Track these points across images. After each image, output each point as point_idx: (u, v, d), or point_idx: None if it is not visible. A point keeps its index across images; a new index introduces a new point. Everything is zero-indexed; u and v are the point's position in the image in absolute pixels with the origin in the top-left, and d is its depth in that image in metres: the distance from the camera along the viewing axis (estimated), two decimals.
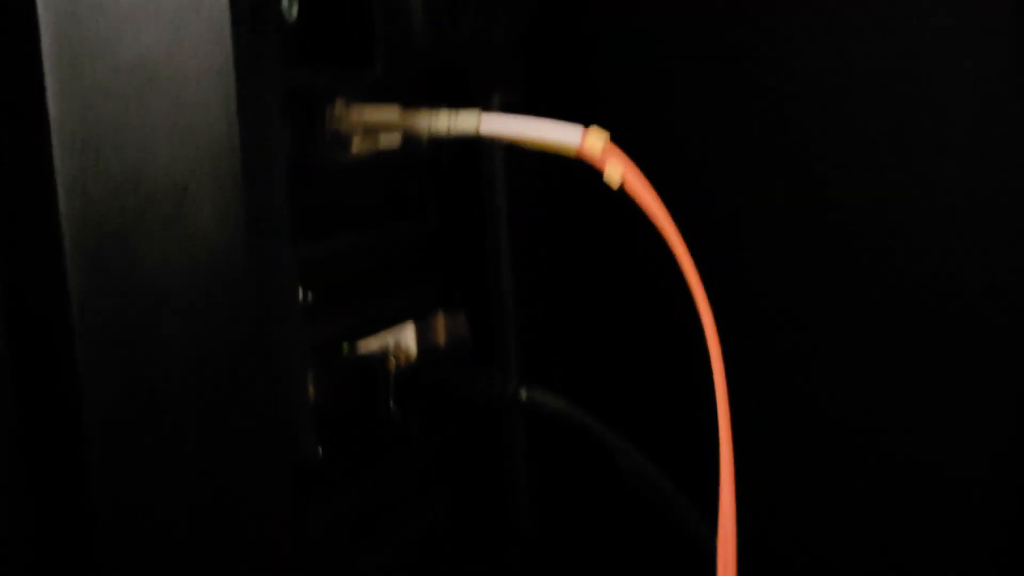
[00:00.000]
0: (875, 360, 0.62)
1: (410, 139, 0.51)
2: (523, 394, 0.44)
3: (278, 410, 0.40)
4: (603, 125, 0.42)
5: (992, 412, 0.61)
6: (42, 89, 0.39)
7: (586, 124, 0.64)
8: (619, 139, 0.43)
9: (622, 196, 0.44)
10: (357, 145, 0.45)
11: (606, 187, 0.43)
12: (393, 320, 0.52)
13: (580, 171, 0.45)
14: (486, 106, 0.56)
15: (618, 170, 0.41)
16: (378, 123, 0.45)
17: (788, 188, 0.62)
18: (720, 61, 0.63)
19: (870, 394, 0.62)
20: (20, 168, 0.40)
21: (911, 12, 0.60)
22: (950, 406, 0.61)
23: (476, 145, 0.56)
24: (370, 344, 0.50)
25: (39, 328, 0.40)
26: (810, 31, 0.62)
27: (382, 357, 0.45)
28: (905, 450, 0.62)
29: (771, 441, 0.63)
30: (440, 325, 0.56)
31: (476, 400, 0.44)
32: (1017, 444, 0.60)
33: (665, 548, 0.54)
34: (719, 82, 0.63)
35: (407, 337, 0.53)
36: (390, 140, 0.49)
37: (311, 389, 0.45)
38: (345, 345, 0.48)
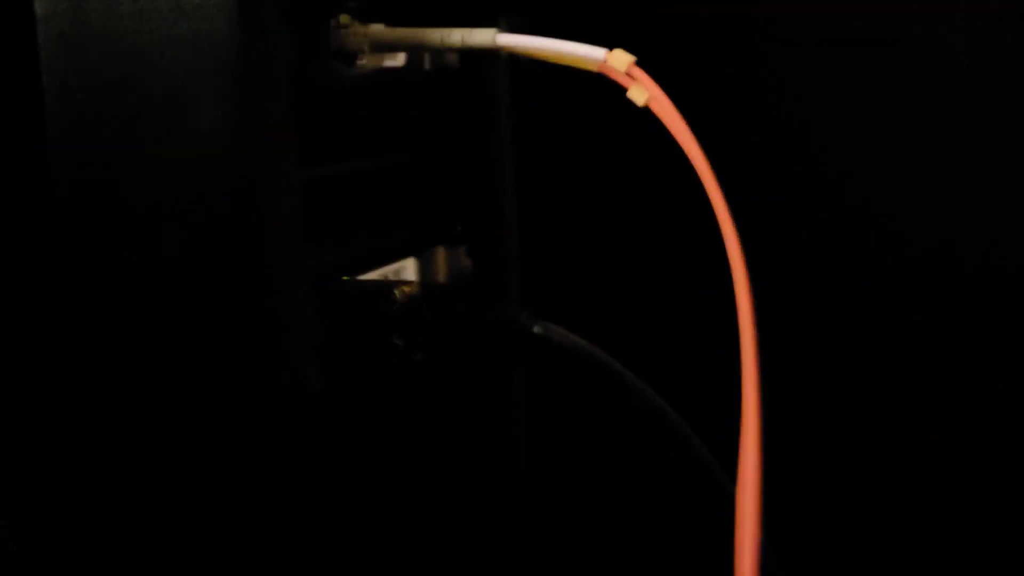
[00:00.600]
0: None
1: (415, 65, 0.48)
2: (536, 328, 0.42)
3: (277, 338, 0.37)
4: None
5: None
6: None
7: None
8: None
9: (628, 131, 0.42)
10: (362, 62, 0.42)
11: (612, 121, 0.41)
12: (395, 252, 0.50)
13: (588, 104, 0.43)
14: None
15: (643, 90, 0.39)
16: (387, 37, 0.42)
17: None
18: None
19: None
20: (6, 71, 0.38)
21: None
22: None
23: (481, 73, 0.53)
24: (370, 277, 0.48)
25: (25, 245, 0.38)
26: None
27: (387, 287, 0.43)
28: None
29: (794, 391, 0.61)
30: (440, 260, 0.53)
31: (486, 334, 0.42)
32: None
33: (671, 494, 0.52)
34: (725, 25, 0.61)
35: (408, 272, 0.51)
36: (396, 60, 0.46)
37: (312, 316, 0.42)
38: (346, 277, 0.46)
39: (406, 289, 0.43)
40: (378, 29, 0.42)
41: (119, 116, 0.37)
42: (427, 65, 0.50)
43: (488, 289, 0.53)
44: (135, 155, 0.37)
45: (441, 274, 0.53)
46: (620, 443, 0.60)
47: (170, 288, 0.37)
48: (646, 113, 0.40)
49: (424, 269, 0.52)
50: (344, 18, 0.42)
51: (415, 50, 0.43)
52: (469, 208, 0.54)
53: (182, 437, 0.38)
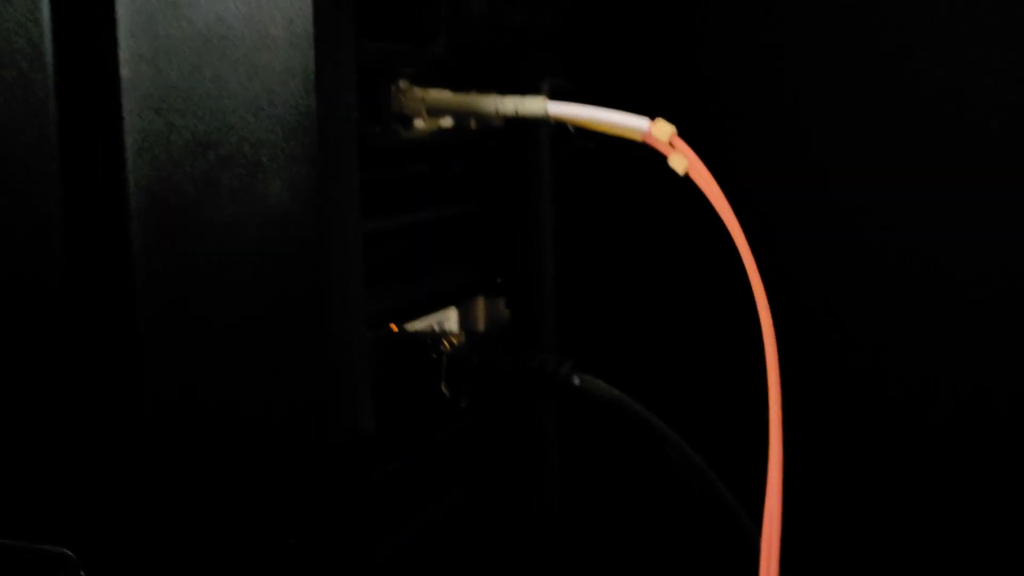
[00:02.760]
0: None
1: (461, 124, 0.51)
2: (576, 380, 0.44)
3: (339, 383, 0.40)
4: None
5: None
6: (115, 50, 0.39)
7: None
8: None
9: (664, 188, 0.44)
10: (419, 125, 0.45)
11: (649, 180, 0.43)
12: (438, 302, 0.52)
13: (626, 163, 0.45)
14: (535, 91, 0.56)
15: (683, 159, 0.42)
16: (444, 104, 0.45)
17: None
18: (755, 56, 0.64)
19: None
20: (91, 130, 0.40)
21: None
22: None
23: (524, 134, 0.56)
24: (416, 326, 0.50)
25: (102, 294, 0.40)
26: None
27: (437, 336, 0.45)
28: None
29: (820, 441, 0.63)
30: (480, 310, 0.56)
31: (528, 383, 0.44)
32: None
33: (703, 543, 0.54)
34: (758, 76, 0.64)
35: (450, 321, 0.53)
36: (447, 122, 0.49)
37: (369, 362, 0.45)
38: (393, 325, 0.48)
39: (454, 339, 0.45)
40: (435, 94, 0.45)
41: (197, 175, 0.39)
42: (474, 125, 0.52)
43: (526, 339, 0.56)
44: (210, 212, 0.39)
45: (480, 323, 0.56)
46: (653, 492, 0.62)
47: (242, 337, 0.39)
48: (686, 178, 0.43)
49: (464, 318, 0.54)
50: (403, 83, 0.45)
51: (469, 115, 0.45)
52: (509, 260, 0.56)
53: (245, 476, 0.40)
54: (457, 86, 0.52)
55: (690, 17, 0.65)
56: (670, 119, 0.63)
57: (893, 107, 0.62)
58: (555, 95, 0.57)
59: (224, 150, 0.39)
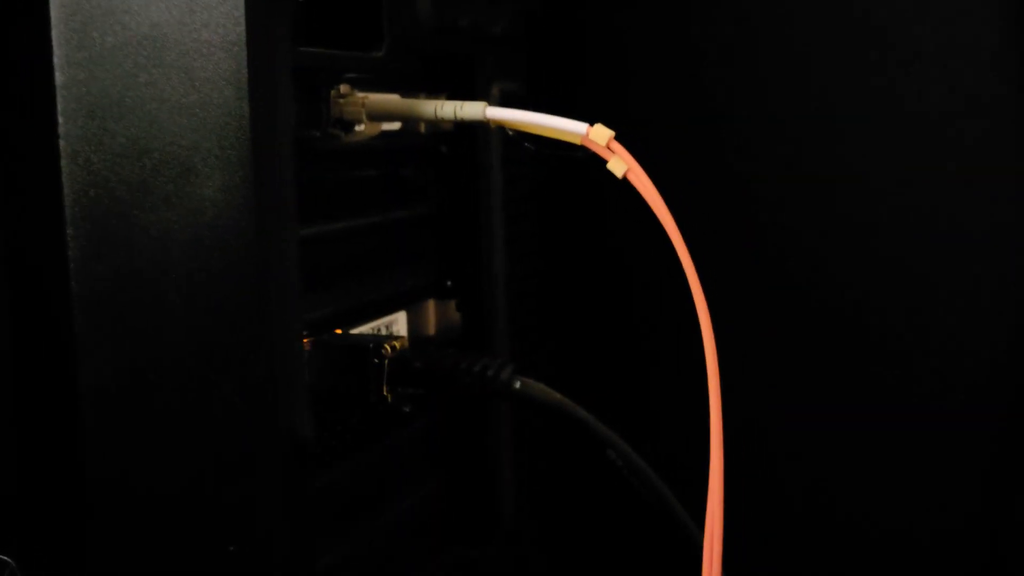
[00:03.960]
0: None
1: (410, 127, 0.51)
2: (517, 383, 0.44)
3: (275, 390, 0.40)
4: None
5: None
6: (49, 56, 0.39)
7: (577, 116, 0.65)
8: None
9: (613, 191, 0.44)
10: (360, 129, 0.45)
11: (597, 181, 0.43)
12: (387, 306, 0.52)
13: (574, 165, 0.45)
14: (487, 96, 0.56)
15: (622, 163, 0.42)
16: (384, 108, 0.45)
17: (779, 181, 0.63)
18: (710, 58, 0.64)
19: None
20: (24, 134, 0.40)
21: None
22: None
23: (473, 137, 0.56)
24: (362, 330, 0.50)
25: (38, 296, 0.40)
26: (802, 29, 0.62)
27: (377, 341, 0.45)
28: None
29: (762, 441, 0.64)
30: (431, 313, 0.56)
31: (469, 387, 0.44)
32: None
33: (649, 542, 0.54)
34: (708, 78, 0.64)
35: (399, 325, 0.53)
36: (391, 126, 0.49)
37: (308, 370, 0.45)
38: (338, 329, 0.48)
39: (397, 344, 0.45)
40: (375, 99, 0.45)
41: (132, 180, 0.39)
42: (423, 128, 0.52)
43: (477, 342, 0.56)
44: (145, 217, 0.39)
45: (431, 327, 0.56)
46: (597, 492, 0.62)
47: (175, 341, 0.39)
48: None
49: (414, 322, 0.54)
50: (344, 88, 0.45)
51: (410, 119, 0.45)
52: (459, 264, 0.56)
53: (180, 482, 0.40)
54: (405, 89, 0.52)
55: (641, 17, 0.65)
56: (624, 123, 0.64)
57: (842, 111, 0.62)
58: (506, 98, 0.58)
59: (158, 155, 0.39)
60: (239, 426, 0.39)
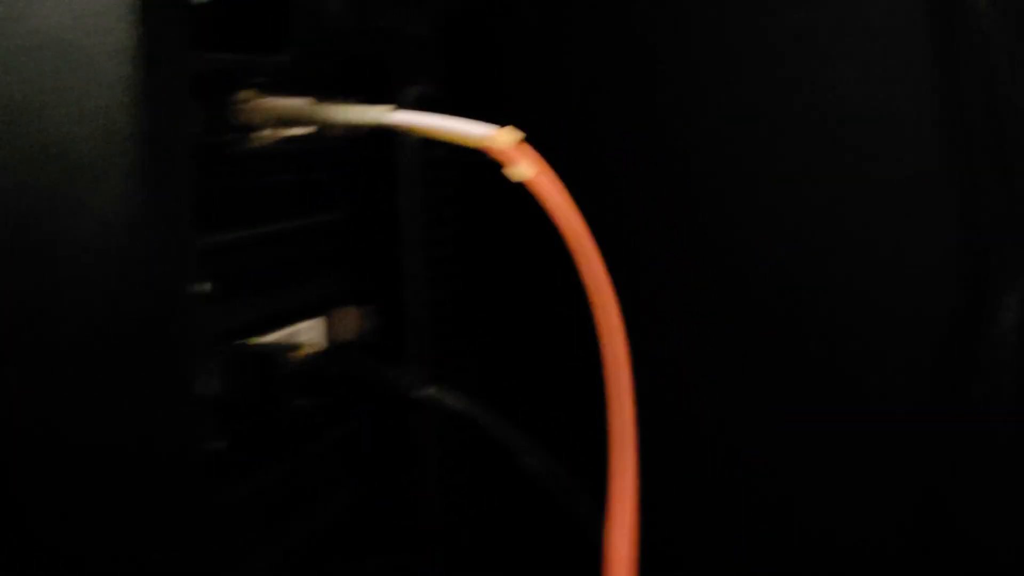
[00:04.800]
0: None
1: (323, 130, 0.50)
2: (426, 391, 0.44)
3: (177, 401, 0.39)
4: (514, 122, 0.42)
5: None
6: None
7: (498, 118, 0.65)
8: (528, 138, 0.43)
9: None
10: (266, 134, 0.44)
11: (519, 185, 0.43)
12: (302, 312, 0.51)
13: (494, 167, 0.45)
14: (403, 99, 0.56)
15: (527, 168, 0.41)
16: (288, 113, 0.44)
17: (684, 190, 0.63)
18: (626, 64, 0.64)
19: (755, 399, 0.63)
20: None
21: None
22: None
23: (390, 138, 0.55)
24: (278, 336, 0.49)
25: None
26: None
27: (284, 348, 0.44)
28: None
29: (670, 442, 0.64)
30: (350, 319, 0.55)
31: (379, 395, 0.44)
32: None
33: (568, 545, 0.54)
34: (624, 84, 0.64)
35: (316, 330, 0.52)
36: (301, 130, 0.48)
37: (213, 380, 0.44)
38: (251, 338, 0.47)
39: (304, 351, 0.45)
40: (278, 104, 0.44)
41: (27, 189, 0.38)
42: (339, 131, 0.52)
43: (395, 347, 0.55)
44: (41, 226, 0.38)
45: (351, 332, 0.55)
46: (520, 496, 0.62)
47: (72, 354, 0.38)
48: None
49: (333, 328, 0.54)
50: (248, 93, 0.44)
51: (315, 124, 0.45)
52: (379, 268, 0.56)
53: (84, 499, 0.39)
54: (319, 93, 0.51)
55: (567, 20, 0.65)
56: (545, 122, 0.63)
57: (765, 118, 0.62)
58: (424, 101, 0.57)
59: (57, 164, 0.38)
60: (141, 440, 0.38)
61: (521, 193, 0.46)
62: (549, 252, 0.64)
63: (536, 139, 0.59)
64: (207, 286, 0.44)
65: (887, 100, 0.60)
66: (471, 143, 0.41)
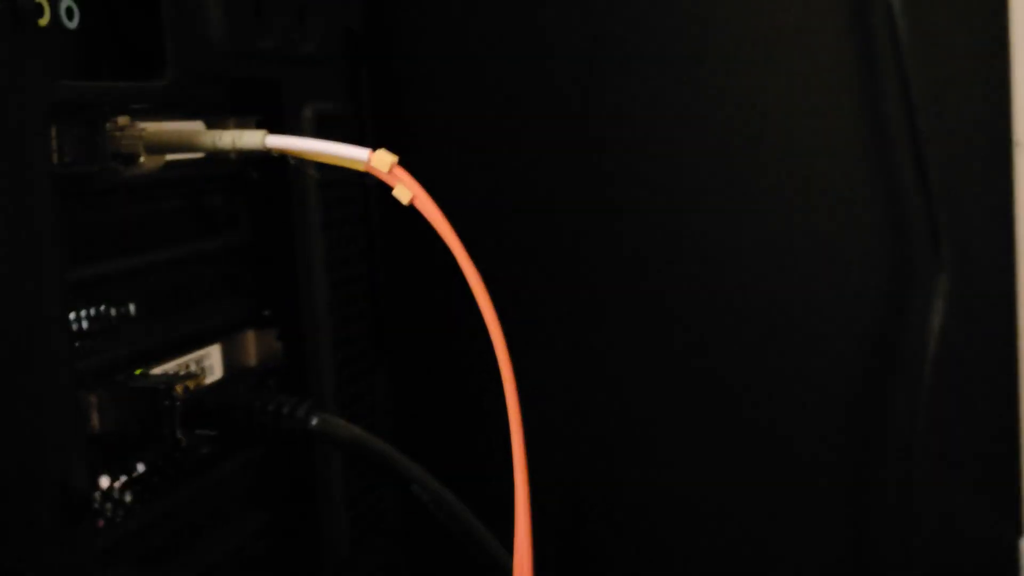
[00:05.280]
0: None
1: (212, 155, 0.49)
2: (313, 421, 0.42)
3: (45, 440, 0.38)
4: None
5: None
6: None
7: (401, 133, 0.64)
8: (428, 152, 0.42)
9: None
10: (143, 162, 0.43)
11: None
12: (197, 340, 0.50)
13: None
14: (298, 117, 0.55)
15: (406, 190, 0.40)
16: (161, 139, 0.43)
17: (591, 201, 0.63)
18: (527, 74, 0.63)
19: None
20: None
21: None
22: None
23: (285, 161, 0.54)
24: (169, 367, 0.48)
25: None
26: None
27: (169, 382, 0.43)
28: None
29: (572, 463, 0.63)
30: (250, 345, 0.54)
31: (265, 427, 0.43)
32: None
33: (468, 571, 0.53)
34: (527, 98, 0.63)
35: (212, 358, 0.51)
36: (187, 155, 0.47)
37: (96, 418, 0.43)
38: (139, 370, 0.46)
39: (190, 384, 0.44)
40: (152, 131, 0.43)
41: None
42: (232, 154, 0.51)
43: (298, 371, 0.54)
44: None
45: (251, 358, 0.54)
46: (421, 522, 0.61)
47: None
48: None
49: (232, 355, 0.53)
50: (122, 120, 0.43)
51: (191, 150, 0.44)
52: (277, 292, 0.54)
53: None
54: (209, 115, 0.50)
55: (468, 29, 0.64)
56: (443, 138, 0.62)
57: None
58: (321, 120, 0.56)
59: None
60: (18, 479, 0.37)
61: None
62: (453, 270, 0.63)
63: (440, 150, 0.58)
64: (91, 319, 0.42)
65: (811, 107, 0.60)
66: (355, 165, 0.40)
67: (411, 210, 0.49)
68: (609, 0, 0.61)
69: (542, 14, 0.62)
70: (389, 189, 0.52)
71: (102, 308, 0.45)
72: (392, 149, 0.41)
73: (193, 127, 0.47)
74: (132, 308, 0.47)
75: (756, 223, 0.61)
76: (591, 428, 0.64)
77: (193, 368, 0.50)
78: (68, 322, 0.40)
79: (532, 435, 0.41)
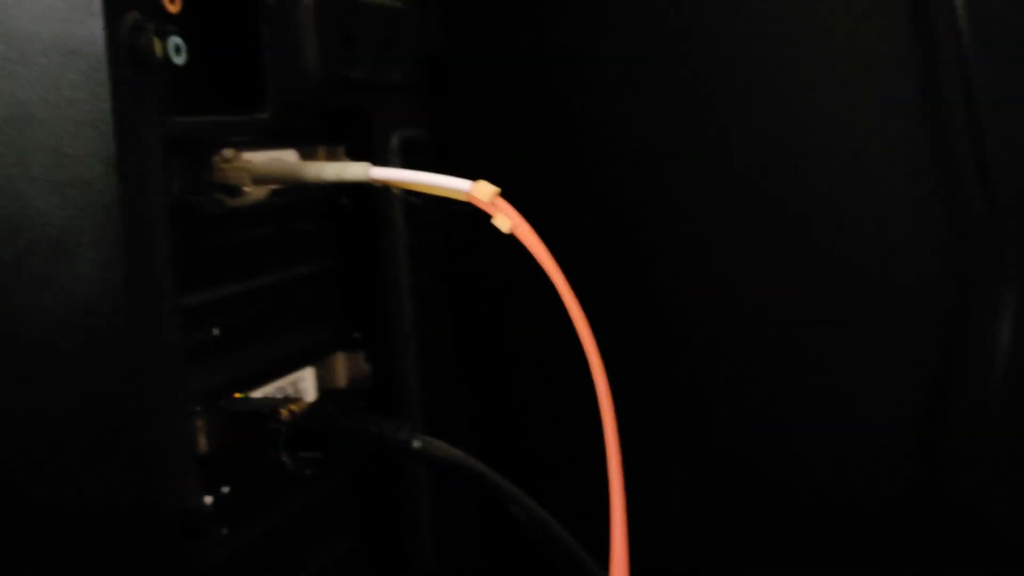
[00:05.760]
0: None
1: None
2: (416, 443, 0.44)
3: (161, 463, 0.39)
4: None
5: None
6: None
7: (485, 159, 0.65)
8: (507, 178, 0.43)
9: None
10: (247, 192, 0.45)
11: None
12: (292, 363, 0.52)
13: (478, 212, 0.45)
14: (386, 145, 0.56)
15: (506, 221, 0.41)
16: (266, 171, 0.44)
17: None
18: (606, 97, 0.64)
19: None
20: None
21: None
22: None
23: (374, 187, 0.55)
24: (267, 390, 0.49)
25: None
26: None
27: (273, 405, 0.44)
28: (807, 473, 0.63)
29: (670, 485, 0.64)
30: (340, 367, 0.55)
31: (368, 449, 0.44)
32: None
33: None
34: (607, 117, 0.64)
35: (306, 381, 0.53)
36: (281, 185, 0.49)
37: (202, 440, 0.44)
38: (240, 394, 0.47)
39: (294, 407, 0.45)
40: (258, 164, 0.44)
41: (4, 261, 0.38)
42: (316, 183, 0.52)
43: (386, 392, 0.56)
44: (19, 298, 0.38)
45: (341, 380, 0.55)
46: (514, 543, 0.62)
47: (57, 422, 0.39)
48: None
49: (323, 377, 0.54)
50: (228, 152, 0.44)
51: (294, 182, 0.45)
52: (366, 315, 0.56)
53: (70, 562, 0.39)
54: (302, 145, 0.52)
55: (543, 56, 0.65)
56: (524, 166, 0.63)
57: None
58: (407, 146, 0.57)
59: (30, 235, 0.38)
60: (123, 502, 0.39)
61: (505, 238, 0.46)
62: (537, 294, 0.64)
63: (519, 176, 0.59)
64: (196, 343, 0.44)
65: (870, 114, 0.60)
66: (456, 196, 0.41)
67: (484, 234, 0.50)
68: (689, 19, 0.62)
69: (620, 38, 0.63)
70: (470, 214, 0.53)
71: (202, 333, 0.47)
72: (471, 174, 0.43)
73: (291, 157, 0.49)
74: (229, 332, 0.48)
75: (814, 237, 0.61)
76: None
77: (289, 391, 0.51)
78: (182, 348, 0.41)
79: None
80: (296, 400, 0.45)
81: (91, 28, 0.37)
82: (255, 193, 0.45)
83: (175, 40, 0.43)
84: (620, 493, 0.42)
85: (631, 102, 0.63)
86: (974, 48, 0.57)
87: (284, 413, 0.44)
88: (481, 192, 0.42)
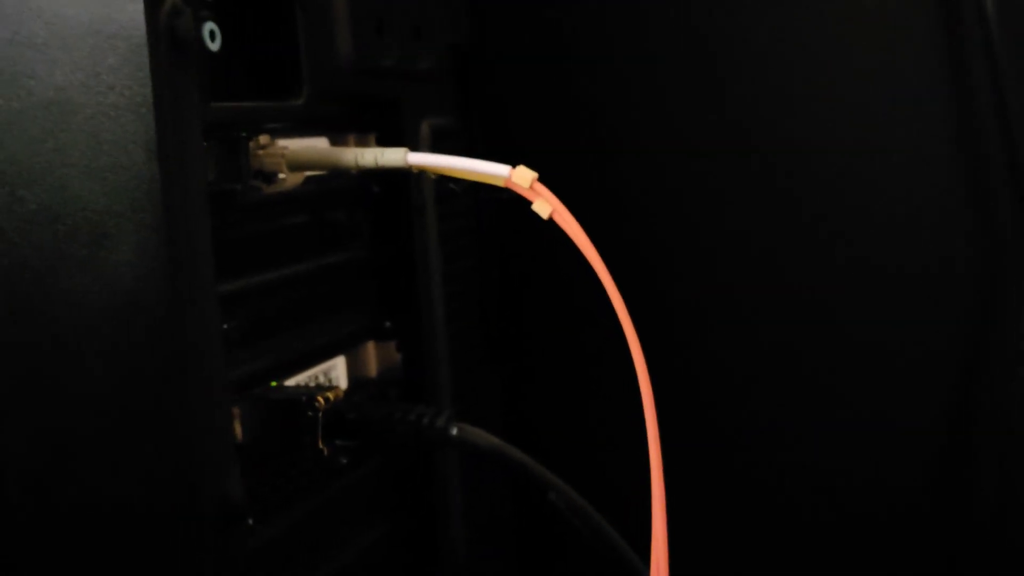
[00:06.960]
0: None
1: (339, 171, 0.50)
2: (454, 431, 0.43)
3: (200, 451, 0.39)
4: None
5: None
6: None
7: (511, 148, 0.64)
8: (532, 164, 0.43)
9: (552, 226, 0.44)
10: (283, 179, 0.44)
11: (535, 217, 0.43)
12: (324, 352, 0.51)
13: (510, 200, 0.45)
14: (416, 133, 0.56)
15: (546, 206, 0.41)
16: (303, 158, 0.44)
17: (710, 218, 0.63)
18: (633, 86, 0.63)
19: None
20: None
21: None
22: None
23: (406, 176, 0.55)
24: (299, 379, 0.49)
25: None
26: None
27: (310, 394, 0.44)
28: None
29: (706, 474, 0.63)
30: (371, 356, 0.55)
31: (405, 437, 0.44)
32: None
33: None
34: (638, 113, 0.64)
35: (337, 370, 0.52)
36: (317, 171, 0.48)
37: (237, 428, 0.44)
38: (273, 382, 0.47)
39: (330, 395, 0.45)
40: (295, 150, 0.44)
41: (44, 246, 0.38)
42: (353, 169, 0.52)
43: (417, 381, 0.55)
44: (60, 283, 0.38)
45: (372, 369, 0.55)
46: (547, 531, 0.62)
47: (97, 407, 0.38)
48: None
49: (354, 366, 0.54)
50: (263, 139, 0.44)
51: (331, 168, 0.45)
52: (397, 304, 0.56)
53: (111, 554, 0.39)
54: (333, 133, 0.52)
55: (569, 45, 0.64)
56: (548, 151, 0.63)
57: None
58: (437, 134, 0.57)
59: (71, 221, 0.38)
60: (165, 490, 0.38)
61: (538, 223, 0.46)
62: (570, 279, 0.64)
63: (547, 162, 0.59)
64: (229, 332, 0.44)
65: (897, 111, 0.60)
66: (495, 181, 0.41)
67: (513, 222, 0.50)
68: (717, 9, 0.62)
69: (646, 26, 0.63)
70: (499, 202, 0.53)
71: (236, 320, 0.47)
72: (499, 161, 0.42)
73: (322, 145, 0.49)
74: (262, 321, 0.48)
75: (836, 236, 0.61)
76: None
77: (321, 379, 0.51)
78: (223, 335, 0.41)
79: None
80: (332, 388, 0.45)
81: (131, 12, 0.37)
82: (290, 180, 0.45)
83: (210, 26, 0.43)
84: (660, 480, 0.42)
85: (648, 98, 0.63)
86: (1003, 40, 0.56)
87: (321, 401, 0.44)
88: (521, 177, 0.41)
